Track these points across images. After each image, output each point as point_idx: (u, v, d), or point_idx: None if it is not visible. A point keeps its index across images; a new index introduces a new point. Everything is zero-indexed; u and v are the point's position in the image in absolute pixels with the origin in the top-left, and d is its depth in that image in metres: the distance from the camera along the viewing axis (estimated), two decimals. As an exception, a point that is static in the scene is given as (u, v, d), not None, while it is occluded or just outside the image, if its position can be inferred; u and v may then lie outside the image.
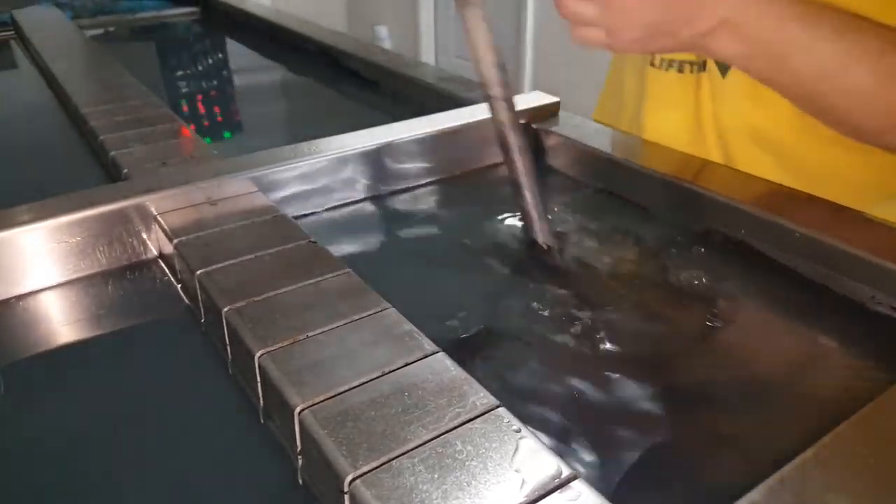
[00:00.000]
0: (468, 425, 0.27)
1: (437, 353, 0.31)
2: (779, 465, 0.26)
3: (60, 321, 0.41)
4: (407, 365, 0.30)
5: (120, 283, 0.44)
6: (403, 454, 0.25)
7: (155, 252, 0.46)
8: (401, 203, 0.55)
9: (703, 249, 0.47)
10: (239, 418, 0.33)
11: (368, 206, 0.54)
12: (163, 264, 0.45)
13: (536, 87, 2.35)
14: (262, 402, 0.32)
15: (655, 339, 0.39)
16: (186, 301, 0.42)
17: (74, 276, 0.44)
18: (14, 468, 0.31)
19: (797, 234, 0.43)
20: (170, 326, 0.41)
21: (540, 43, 2.60)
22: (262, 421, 0.32)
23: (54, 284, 0.43)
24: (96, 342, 0.40)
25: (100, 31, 1.19)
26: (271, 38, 1.06)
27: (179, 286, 0.43)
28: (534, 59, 2.64)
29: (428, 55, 3.16)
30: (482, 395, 0.28)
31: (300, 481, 0.29)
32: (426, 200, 0.55)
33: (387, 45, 3.26)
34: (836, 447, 0.27)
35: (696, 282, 0.43)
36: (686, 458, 0.31)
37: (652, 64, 0.61)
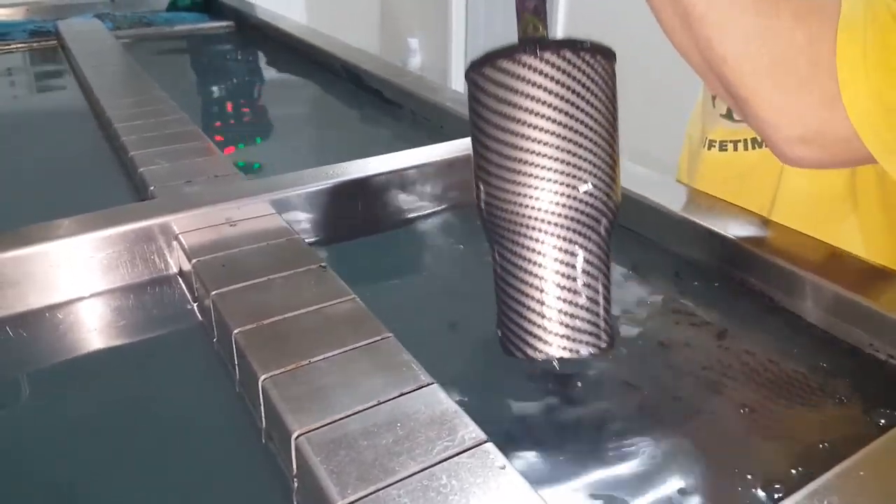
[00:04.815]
0: (455, 459, 0.28)
1: (431, 384, 0.32)
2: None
3: (83, 332, 0.43)
4: (401, 395, 0.32)
5: (141, 297, 0.46)
6: (390, 485, 0.27)
7: (175, 269, 0.48)
8: (417, 230, 0.56)
9: (704, 287, 0.47)
10: (242, 436, 0.35)
11: (383, 232, 0.56)
12: (181, 281, 0.47)
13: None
14: (264, 423, 0.34)
15: (651, 374, 0.39)
16: (201, 318, 0.44)
17: (100, 289, 0.46)
18: (24, 468, 0.33)
19: (800, 278, 0.43)
20: (184, 341, 0.43)
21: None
22: (263, 441, 0.34)
23: (81, 297, 0.46)
24: (114, 353, 0.42)
25: (137, 42, 1.23)
26: (302, 55, 1.09)
27: (196, 304, 0.45)
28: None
29: (458, 67, 3.19)
30: (471, 429, 0.30)
31: None
32: (442, 227, 0.57)
33: (418, 56, 3.30)
34: (838, 483, 0.28)
35: (695, 317, 0.44)
36: (674, 500, 0.31)
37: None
